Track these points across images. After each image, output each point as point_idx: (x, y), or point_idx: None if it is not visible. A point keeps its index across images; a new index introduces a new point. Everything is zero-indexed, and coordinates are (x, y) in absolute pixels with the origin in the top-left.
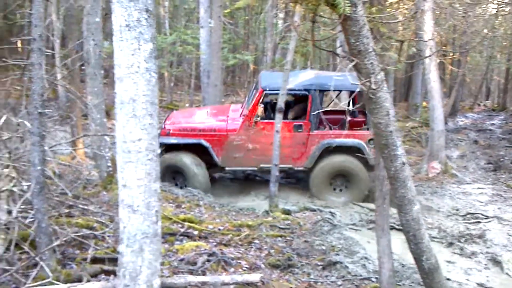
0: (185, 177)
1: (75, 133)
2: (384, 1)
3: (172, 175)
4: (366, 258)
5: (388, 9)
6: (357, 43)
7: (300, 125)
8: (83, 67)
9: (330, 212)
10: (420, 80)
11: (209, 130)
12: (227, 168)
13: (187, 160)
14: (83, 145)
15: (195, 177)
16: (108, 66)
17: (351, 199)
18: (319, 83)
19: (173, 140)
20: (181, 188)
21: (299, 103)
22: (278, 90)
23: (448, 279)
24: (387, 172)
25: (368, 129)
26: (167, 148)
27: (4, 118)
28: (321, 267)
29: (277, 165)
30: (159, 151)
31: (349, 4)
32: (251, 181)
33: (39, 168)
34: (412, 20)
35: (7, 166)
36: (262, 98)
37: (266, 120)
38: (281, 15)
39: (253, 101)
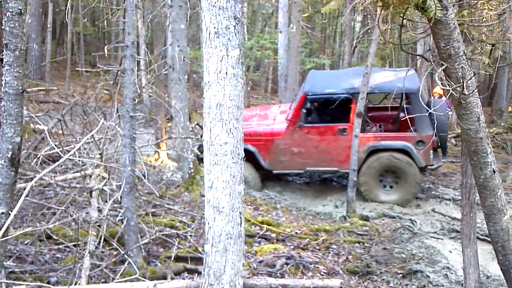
0: None
1: (160, 136)
2: (474, 3)
3: None
4: (448, 268)
5: (477, 11)
6: (447, 46)
7: (345, 129)
8: (166, 72)
9: (410, 219)
10: (505, 84)
11: (255, 135)
12: (274, 172)
13: None
14: (167, 147)
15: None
16: (189, 71)
17: (402, 197)
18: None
19: None
20: None
21: (344, 106)
22: (321, 94)
23: None
24: (475, 180)
25: (415, 130)
26: None
27: (101, 123)
28: (401, 275)
29: (355, 170)
30: (243, 155)
31: (440, 8)
32: (328, 185)
33: (129, 168)
34: (501, 21)
35: (98, 166)
36: (304, 103)
37: (310, 125)
38: (359, 18)
39: (296, 106)
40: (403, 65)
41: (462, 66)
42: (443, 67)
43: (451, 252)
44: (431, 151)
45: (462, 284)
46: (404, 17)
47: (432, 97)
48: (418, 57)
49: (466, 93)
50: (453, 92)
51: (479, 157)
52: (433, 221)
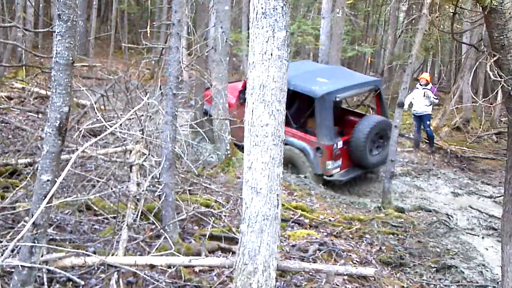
0: None
1: (199, 116)
2: None
3: None
4: (483, 265)
5: None
6: (501, 37)
7: None
8: (206, 53)
9: (447, 214)
10: None
11: None
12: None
13: None
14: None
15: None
16: (230, 53)
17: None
18: None
19: None
20: None
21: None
22: None
23: None
24: None
25: (316, 136)
26: None
27: (145, 100)
28: (434, 269)
29: (393, 161)
30: (284, 137)
31: None
32: (364, 176)
33: (170, 145)
34: None
35: (138, 142)
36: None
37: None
38: (404, 8)
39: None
40: (446, 58)
41: None
42: (494, 58)
43: (487, 249)
44: (330, 162)
45: (498, 282)
46: (457, 5)
47: (418, 83)
48: (467, 47)
49: None
50: (505, 84)
51: None
52: (470, 217)
